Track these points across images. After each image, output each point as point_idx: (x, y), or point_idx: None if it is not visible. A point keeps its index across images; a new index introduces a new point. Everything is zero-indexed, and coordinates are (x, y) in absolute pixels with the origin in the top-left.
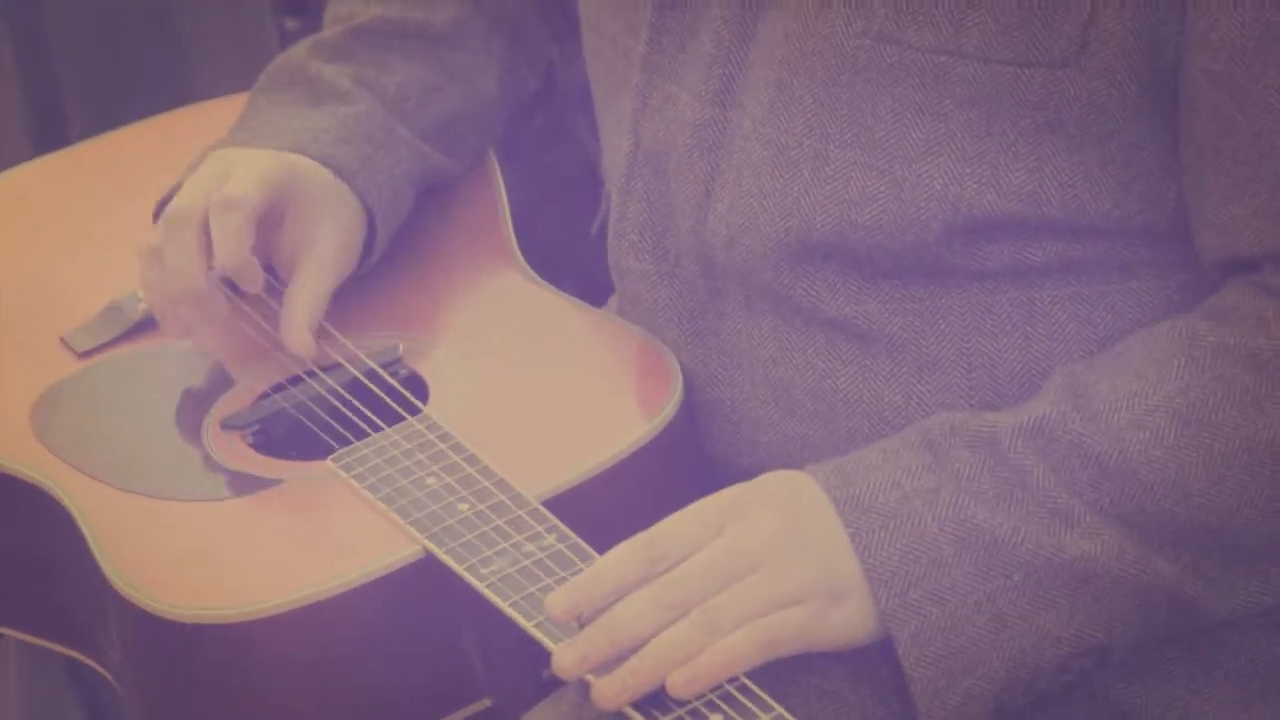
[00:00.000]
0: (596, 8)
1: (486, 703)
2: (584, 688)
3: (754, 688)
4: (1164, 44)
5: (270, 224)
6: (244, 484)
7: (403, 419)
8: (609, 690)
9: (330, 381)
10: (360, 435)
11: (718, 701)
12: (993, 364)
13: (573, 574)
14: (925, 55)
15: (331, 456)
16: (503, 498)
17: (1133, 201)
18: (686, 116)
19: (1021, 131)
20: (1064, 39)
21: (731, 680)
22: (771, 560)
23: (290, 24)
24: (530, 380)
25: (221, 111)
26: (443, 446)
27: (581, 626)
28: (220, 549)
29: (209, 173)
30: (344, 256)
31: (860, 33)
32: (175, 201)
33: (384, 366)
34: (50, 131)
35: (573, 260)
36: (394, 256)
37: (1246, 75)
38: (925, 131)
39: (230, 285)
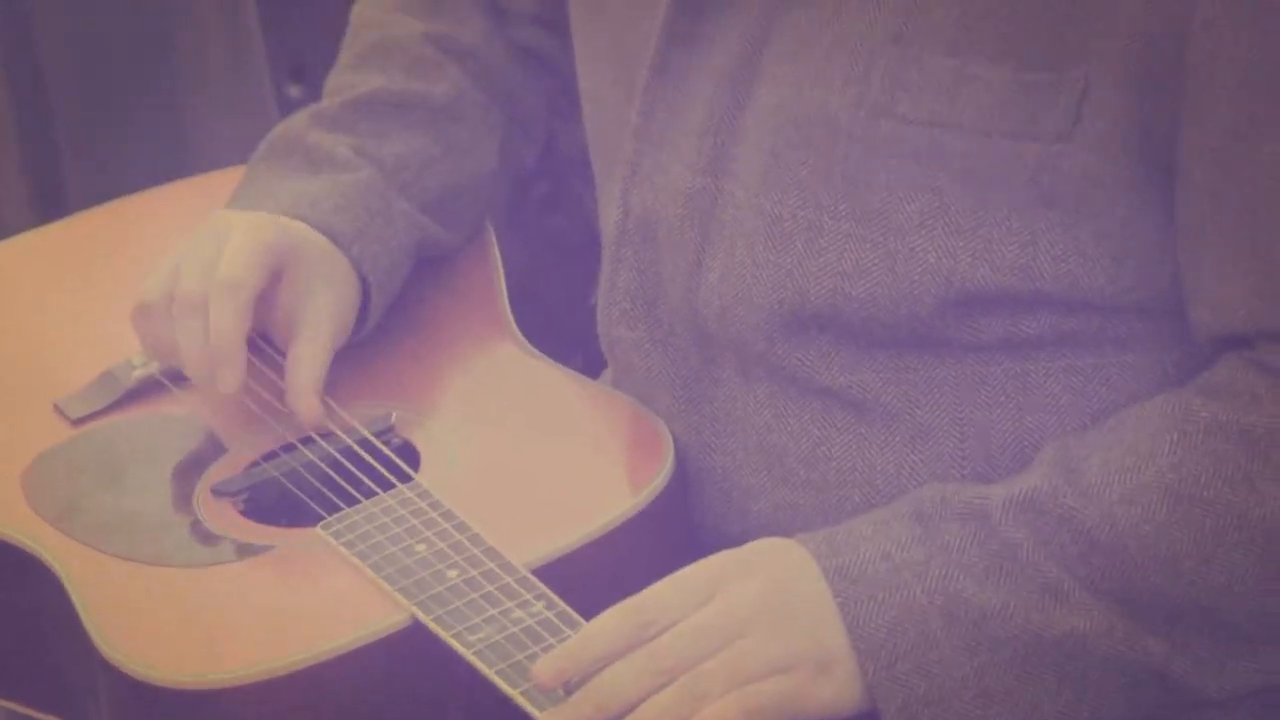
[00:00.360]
0: (596, 78)
1: None
2: None
3: None
4: (1158, 119)
5: (266, 288)
6: (234, 550)
7: (394, 487)
8: None
9: (322, 449)
10: (351, 502)
11: None
12: (986, 435)
13: (561, 641)
14: (920, 128)
15: (321, 523)
16: (492, 565)
17: (1127, 277)
18: (678, 186)
19: (1015, 206)
20: (1058, 113)
21: None
22: (759, 627)
23: (292, 90)
24: (522, 450)
25: (221, 184)
26: (433, 514)
27: (568, 694)
28: (209, 615)
29: (207, 237)
30: (340, 324)
31: (855, 105)
32: (180, 279)
33: (377, 435)
34: (49, 198)
35: (575, 327)
36: (389, 326)
37: (1240, 152)
38: (919, 204)
39: None
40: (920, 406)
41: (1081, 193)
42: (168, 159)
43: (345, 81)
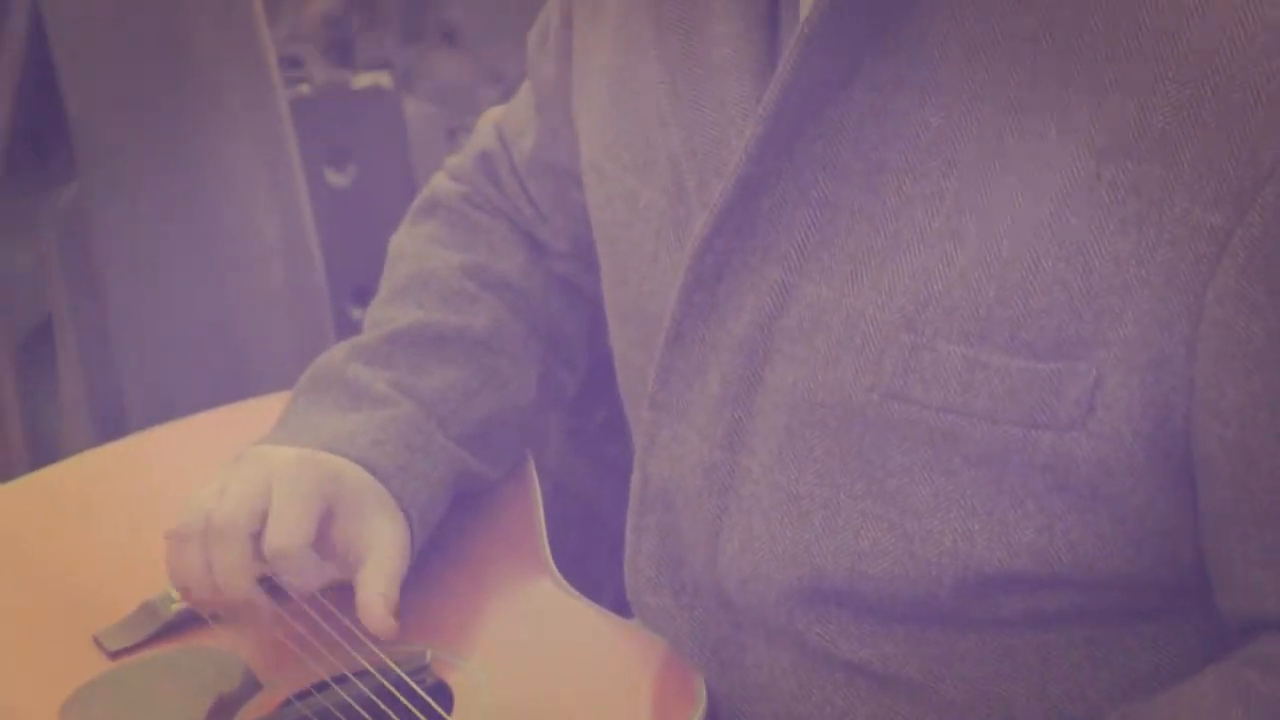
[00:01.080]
0: (622, 339)
1: None
2: None
3: None
4: (1173, 410)
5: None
6: None
7: None
8: None
9: (356, 688)
10: None
11: None
12: (1010, 706)
13: None
14: (933, 413)
15: None
16: None
17: (1145, 559)
18: (694, 458)
19: (1030, 490)
20: (1071, 403)
21: None
22: None
23: (355, 313)
24: (556, 694)
25: (267, 410)
26: None
27: None
28: None
29: (246, 473)
30: (404, 550)
31: (869, 388)
32: (218, 510)
33: (411, 674)
34: (110, 423)
35: None
36: (426, 560)
37: (1259, 444)
38: (935, 487)
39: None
40: (943, 679)
41: (1097, 479)
42: (225, 380)
43: (384, 314)
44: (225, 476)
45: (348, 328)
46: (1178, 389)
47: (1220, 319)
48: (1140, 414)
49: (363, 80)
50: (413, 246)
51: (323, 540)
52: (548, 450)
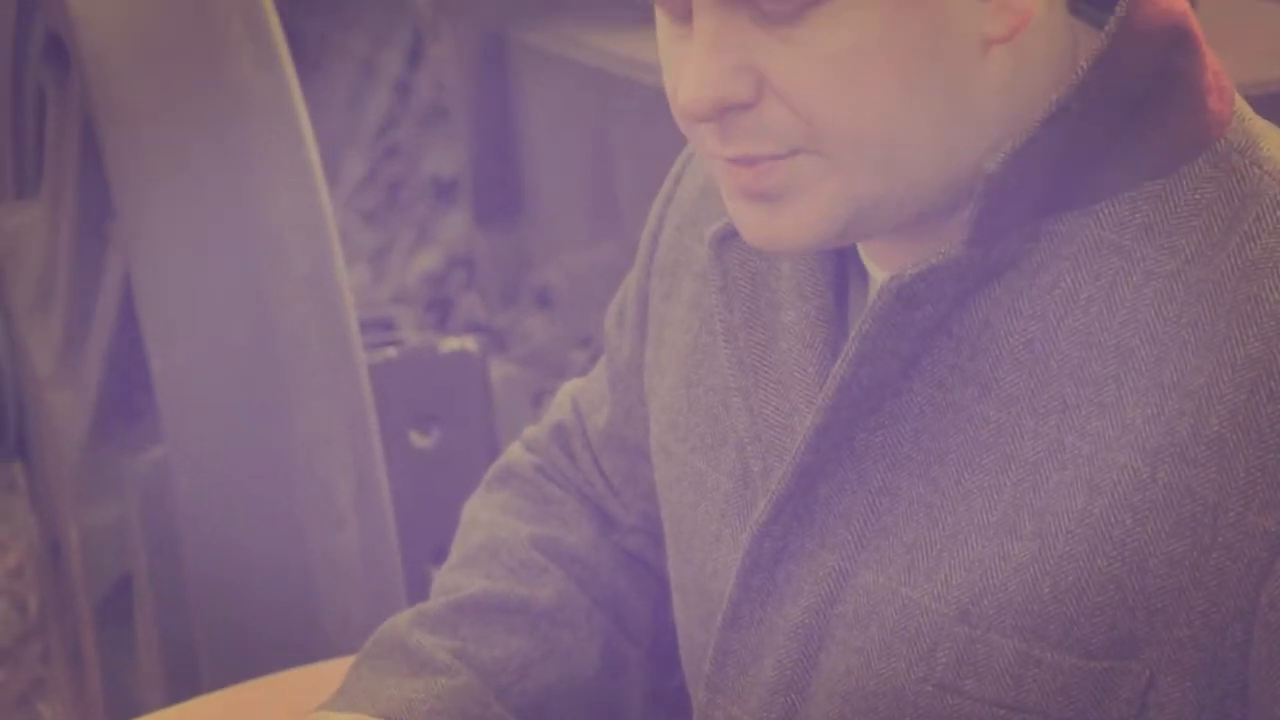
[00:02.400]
0: (684, 614)
1: None
2: None
3: None
4: (1227, 714)
5: None
6: None
7: None
8: None
9: None
10: None
11: None
12: None
13: None
14: (985, 707)
15: None
16: None
17: None
18: None
19: None
20: (1122, 702)
21: None
22: None
23: (434, 573)
24: None
25: (335, 673)
26: None
27: None
28: None
29: None
30: None
31: (922, 679)
32: None
33: None
34: (183, 682)
35: None
36: None
37: None
38: None
39: None
40: None
41: None
42: (297, 640)
43: (451, 582)
44: None
45: (426, 586)
46: (1231, 694)
47: (1274, 624)
48: (1193, 716)
49: (450, 345)
50: (485, 515)
51: None
52: (631, 708)
